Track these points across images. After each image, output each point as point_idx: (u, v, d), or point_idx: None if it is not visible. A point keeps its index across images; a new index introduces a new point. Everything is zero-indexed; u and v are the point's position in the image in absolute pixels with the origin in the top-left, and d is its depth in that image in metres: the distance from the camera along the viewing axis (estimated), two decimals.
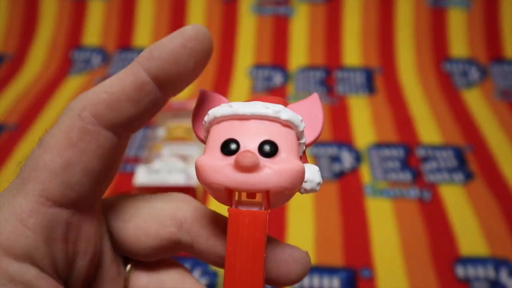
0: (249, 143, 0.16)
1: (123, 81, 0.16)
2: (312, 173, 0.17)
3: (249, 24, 0.76)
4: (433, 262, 0.43)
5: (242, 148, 0.16)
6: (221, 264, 0.19)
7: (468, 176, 0.52)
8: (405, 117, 0.62)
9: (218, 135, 0.17)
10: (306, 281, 0.41)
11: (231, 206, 0.16)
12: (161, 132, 0.53)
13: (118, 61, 0.74)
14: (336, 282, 0.41)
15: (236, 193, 0.16)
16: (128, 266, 0.20)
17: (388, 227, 0.47)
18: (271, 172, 0.15)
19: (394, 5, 0.76)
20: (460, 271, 0.42)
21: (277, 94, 0.67)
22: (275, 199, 0.16)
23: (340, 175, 0.53)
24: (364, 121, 0.61)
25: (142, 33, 0.77)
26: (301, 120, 0.17)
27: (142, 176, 0.46)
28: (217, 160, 0.16)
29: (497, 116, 0.62)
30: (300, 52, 0.74)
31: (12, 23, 0.79)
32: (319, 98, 0.19)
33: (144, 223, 0.18)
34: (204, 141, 0.18)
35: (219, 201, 0.17)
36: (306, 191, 0.17)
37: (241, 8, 0.77)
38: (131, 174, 0.52)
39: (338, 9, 0.76)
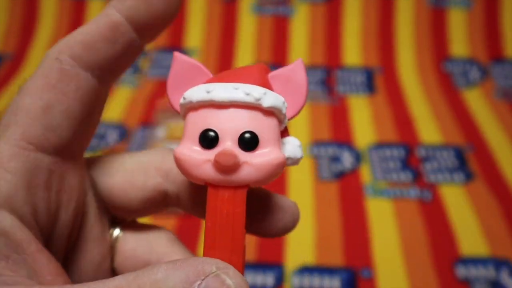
0: (228, 134, 0.16)
1: (97, 23, 0.16)
2: (293, 149, 0.17)
3: (249, 24, 0.76)
4: (433, 262, 0.43)
5: (221, 141, 0.16)
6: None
7: (469, 176, 0.52)
8: (405, 117, 0.62)
9: (195, 123, 0.16)
10: (306, 281, 0.41)
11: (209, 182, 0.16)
12: (161, 131, 0.53)
13: None
14: (336, 282, 0.41)
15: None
16: (117, 229, 0.19)
17: (388, 227, 0.47)
18: (251, 169, 0.15)
19: (394, 5, 0.76)
20: (460, 271, 0.42)
21: None
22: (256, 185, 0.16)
23: (340, 175, 0.53)
24: (364, 121, 0.61)
25: None
26: (283, 102, 0.17)
27: None
28: (196, 153, 0.16)
29: (498, 116, 0.62)
30: (300, 52, 0.74)
31: (12, 23, 0.78)
32: (303, 65, 0.18)
33: (130, 175, 0.18)
34: (179, 113, 0.17)
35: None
36: (287, 165, 0.17)
37: (241, 8, 0.77)
38: None
39: (338, 9, 0.76)
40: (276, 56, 0.74)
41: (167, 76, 0.18)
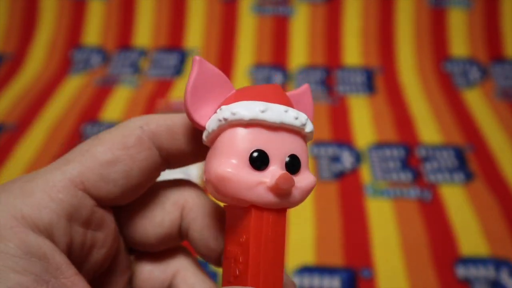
0: (277, 156, 0.16)
1: (186, 119, 0.17)
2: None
3: (249, 24, 0.76)
4: (433, 262, 0.43)
5: (270, 163, 0.16)
6: (210, 257, 0.19)
7: (469, 176, 0.52)
8: (405, 117, 0.62)
9: (243, 141, 0.16)
10: (306, 281, 0.41)
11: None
12: None
13: (118, 60, 0.74)
14: (336, 282, 0.41)
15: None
16: (132, 257, 0.20)
17: (388, 227, 0.47)
18: (298, 193, 0.16)
19: (394, 5, 0.76)
20: (460, 271, 0.42)
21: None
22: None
23: (340, 175, 0.53)
24: (364, 121, 0.61)
25: (141, 32, 0.77)
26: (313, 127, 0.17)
27: None
28: (247, 174, 0.15)
29: (498, 116, 0.62)
30: (300, 52, 0.74)
31: (12, 23, 0.78)
32: (310, 90, 0.19)
33: (149, 211, 0.19)
34: (203, 128, 0.17)
35: (225, 202, 0.17)
36: None
37: (241, 8, 0.77)
38: None
39: (338, 9, 0.76)
40: (276, 56, 0.74)
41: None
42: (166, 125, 0.17)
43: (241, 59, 0.74)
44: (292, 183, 0.15)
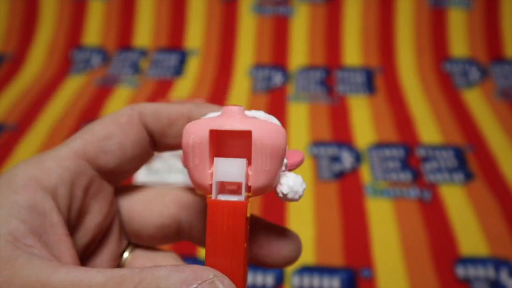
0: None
1: (171, 106, 0.20)
2: (295, 183, 0.17)
3: (249, 24, 0.76)
4: (433, 262, 0.43)
5: None
6: None
7: (468, 176, 0.52)
8: (405, 117, 0.62)
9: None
10: (306, 281, 0.41)
11: (210, 196, 0.16)
12: None
13: (118, 61, 0.74)
14: (336, 282, 0.41)
15: (215, 183, 0.16)
16: (126, 252, 0.21)
17: (388, 227, 0.47)
18: (256, 122, 0.16)
19: (394, 5, 0.76)
20: (460, 271, 0.42)
21: (277, 93, 0.67)
22: (256, 179, 0.16)
23: (340, 175, 0.53)
24: (364, 121, 0.61)
25: (142, 33, 0.77)
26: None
27: (142, 176, 0.46)
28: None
29: (497, 116, 0.62)
30: (300, 52, 0.74)
31: (12, 23, 0.78)
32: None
33: (149, 203, 0.21)
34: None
35: (199, 189, 0.17)
36: (286, 199, 0.17)
37: (241, 8, 0.77)
38: None
39: (338, 9, 0.76)
40: (276, 56, 0.74)
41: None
42: (153, 108, 0.20)
43: (241, 59, 0.74)
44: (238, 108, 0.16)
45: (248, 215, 0.16)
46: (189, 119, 0.19)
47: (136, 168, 0.20)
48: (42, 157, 0.18)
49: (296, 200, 0.18)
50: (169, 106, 0.20)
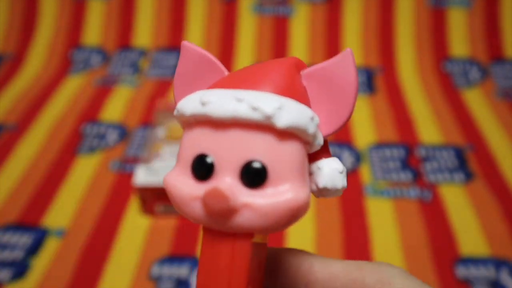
0: (228, 163, 0.12)
1: None
2: (332, 177, 0.13)
3: (249, 24, 0.76)
4: (433, 262, 0.43)
5: (217, 171, 0.12)
6: None
7: (469, 176, 0.52)
8: (405, 117, 0.62)
9: (189, 145, 0.13)
10: None
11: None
12: (161, 132, 0.53)
13: (118, 60, 0.74)
14: None
15: None
16: None
17: (388, 227, 0.46)
18: (252, 215, 0.11)
19: (394, 5, 0.76)
20: (460, 271, 0.42)
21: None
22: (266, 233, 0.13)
23: None
24: (364, 121, 0.61)
25: (141, 33, 0.77)
26: (311, 118, 0.12)
27: (142, 176, 0.46)
28: (185, 186, 0.12)
29: (498, 116, 0.62)
30: (300, 52, 0.74)
31: (12, 23, 0.78)
32: (352, 57, 0.12)
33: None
34: None
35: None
36: (324, 196, 0.13)
37: (241, 8, 0.77)
38: (130, 174, 0.52)
39: (338, 9, 0.76)
40: (276, 56, 0.74)
41: (171, 73, 0.16)
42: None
43: (241, 59, 0.74)
44: (222, 203, 0.11)
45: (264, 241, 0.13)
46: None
47: None
48: None
49: (337, 195, 0.14)
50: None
